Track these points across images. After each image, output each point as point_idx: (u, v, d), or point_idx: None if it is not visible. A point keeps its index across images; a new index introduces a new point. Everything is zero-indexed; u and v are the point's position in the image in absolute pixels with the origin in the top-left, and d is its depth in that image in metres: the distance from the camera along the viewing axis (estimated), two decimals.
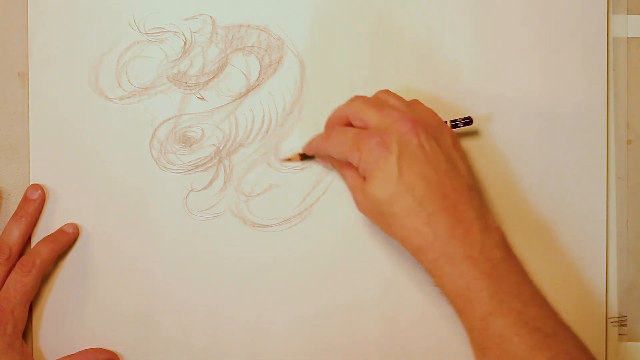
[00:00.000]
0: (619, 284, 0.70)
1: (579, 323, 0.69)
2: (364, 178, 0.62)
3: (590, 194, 0.69)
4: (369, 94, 0.69)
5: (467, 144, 0.69)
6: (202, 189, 0.70)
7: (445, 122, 0.65)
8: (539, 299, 0.59)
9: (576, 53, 0.70)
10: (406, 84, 0.70)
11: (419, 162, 0.60)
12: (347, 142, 0.62)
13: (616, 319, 0.70)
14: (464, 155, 0.63)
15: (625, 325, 0.70)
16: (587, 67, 0.70)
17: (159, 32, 0.70)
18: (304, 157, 0.69)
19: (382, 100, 0.64)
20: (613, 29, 0.70)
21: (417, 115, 0.63)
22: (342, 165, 0.65)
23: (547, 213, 0.69)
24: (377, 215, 0.61)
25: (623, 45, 0.70)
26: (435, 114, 0.64)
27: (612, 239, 0.70)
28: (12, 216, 0.68)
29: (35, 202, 0.69)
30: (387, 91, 0.66)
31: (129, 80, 0.70)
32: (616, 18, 0.70)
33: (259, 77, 0.70)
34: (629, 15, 0.70)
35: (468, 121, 0.66)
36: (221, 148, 0.70)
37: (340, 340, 0.69)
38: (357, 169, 0.62)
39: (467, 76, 0.70)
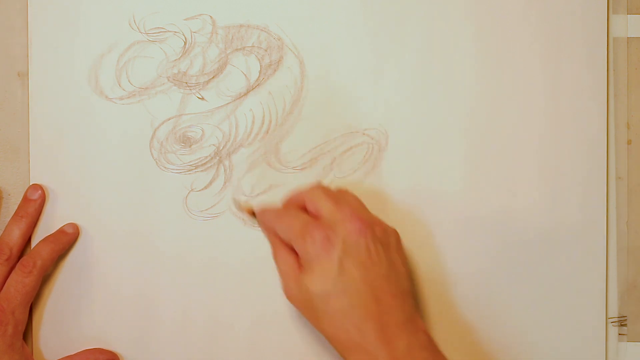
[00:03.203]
0: (619, 284, 0.70)
1: (579, 323, 0.69)
2: (302, 267, 0.62)
3: (590, 194, 0.69)
4: (369, 94, 0.70)
5: (469, 142, 0.69)
6: (202, 189, 0.70)
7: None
8: None
9: (576, 53, 0.70)
10: (406, 84, 0.70)
11: (361, 264, 0.60)
12: (295, 227, 0.63)
13: (616, 319, 0.70)
14: (405, 260, 0.64)
15: (625, 325, 0.70)
16: (587, 67, 0.70)
17: (159, 32, 0.70)
18: (252, 214, 0.69)
19: (340, 195, 0.65)
20: (613, 29, 0.70)
21: (368, 216, 0.63)
22: (281, 247, 0.65)
23: (547, 213, 0.69)
24: (308, 307, 0.62)
25: (623, 45, 0.70)
26: (380, 220, 0.65)
27: (612, 239, 0.70)
28: (12, 216, 0.68)
29: (35, 202, 0.68)
30: (346, 190, 0.66)
31: (129, 80, 0.70)
32: (616, 18, 0.70)
33: (259, 77, 0.70)
34: (629, 15, 0.70)
35: None
36: (221, 148, 0.70)
37: None
38: (295, 256, 0.63)
39: (467, 76, 0.70)
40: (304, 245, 0.62)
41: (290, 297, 0.63)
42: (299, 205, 0.65)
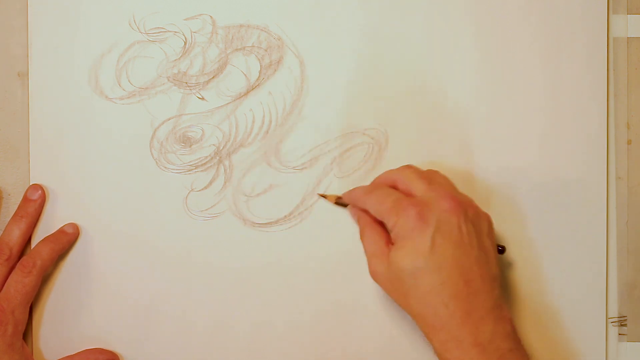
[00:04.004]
0: (619, 284, 0.70)
1: (579, 323, 0.69)
2: (392, 244, 0.62)
3: (590, 194, 0.69)
4: (369, 94, 0.70)
5: (470, 141, 0.69)
6: (202, 189, 0.70)
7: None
8: None
9: (576, 53, 0.70)
10: (406, 84, 0.70)
11: (453, 243, 0.60)
12: (388, 202, 0.62)
13: (616, 319, 0.70)
14: (495, 245, 0.63)
15: (625, 325, 0.70)
16: (587, 67, 0.70)
17: (159, 32, 0.70)
18: (338, 202, 0.69)
19: (431, 175, 0.64)
20: (613, 29, 0.70)
21: (462, 197, 0.63)
22: (370, 225, 0.64)
23: (547, 213, 0.69)
24: (395, 285, 0.61)
25: (623, 45, 0.70)
26: (474, 202, 0.64)
27: (612, 239, 0.70)
28: (12, 216, 0.68)
29: (35, 202, 0.68)
30: (437, 171, 0.66)
31: (129, 80, 0.70)
32: (616, 18, 0.70)
33: (259, 77, 0.70)
34: (629, 15, 0.70)
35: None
36: (221, 148, 0.70)
37: (340, 341, 0.69)
38: (383, 234, 0.63)
39: (467, 75, 0.70)
40: (396, 221, 0.61)
41: (376, 276, 0.63)
42: (389, 185, 0.65)
